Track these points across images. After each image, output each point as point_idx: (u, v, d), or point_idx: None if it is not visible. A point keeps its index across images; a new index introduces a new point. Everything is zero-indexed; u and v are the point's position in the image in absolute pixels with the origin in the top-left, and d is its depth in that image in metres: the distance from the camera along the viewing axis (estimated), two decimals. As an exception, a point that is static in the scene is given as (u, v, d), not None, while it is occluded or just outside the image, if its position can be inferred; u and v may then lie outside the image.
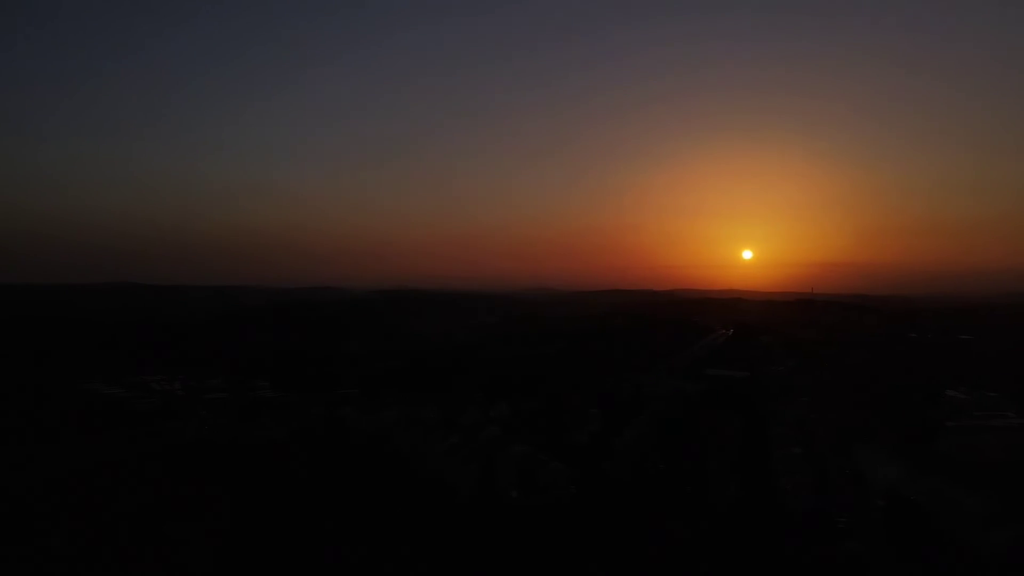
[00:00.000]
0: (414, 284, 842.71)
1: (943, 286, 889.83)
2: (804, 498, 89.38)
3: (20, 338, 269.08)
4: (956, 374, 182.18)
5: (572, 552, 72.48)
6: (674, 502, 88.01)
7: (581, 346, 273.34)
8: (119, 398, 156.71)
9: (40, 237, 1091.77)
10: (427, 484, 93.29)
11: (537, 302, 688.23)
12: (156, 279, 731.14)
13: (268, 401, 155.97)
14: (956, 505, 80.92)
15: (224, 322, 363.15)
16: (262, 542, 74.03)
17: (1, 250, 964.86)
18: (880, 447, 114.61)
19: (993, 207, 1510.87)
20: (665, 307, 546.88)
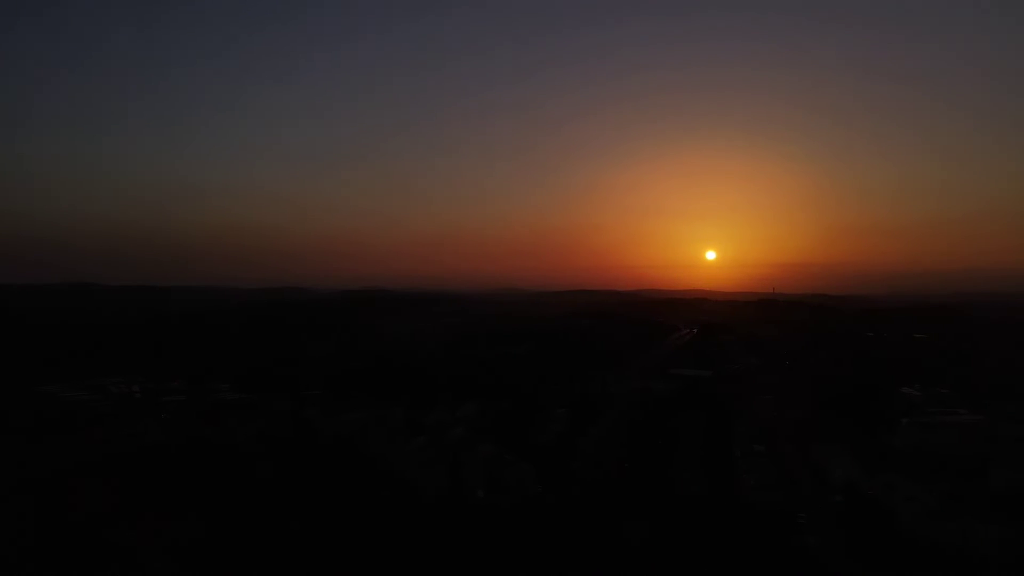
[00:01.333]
0: (381, 284, 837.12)
1: (899, 286, 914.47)
2: (766, 494, 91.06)
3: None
4: (911, 372, 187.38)
5: (537, 551, 72.72)
6: (639, 500, 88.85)
7: (548, 346, 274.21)
8: (76, 401, 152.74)
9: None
10: (394, 485, 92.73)
11: (504, 302, 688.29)
12: (113, 280, 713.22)
13: (231, 403, 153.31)
14: (911, 499, 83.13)
15: (185, 323, 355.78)
16: (226, 548, 72.77)
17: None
18: (839, 443, 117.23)
19: (948, 210, 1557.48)
20: (631, 307, 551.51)
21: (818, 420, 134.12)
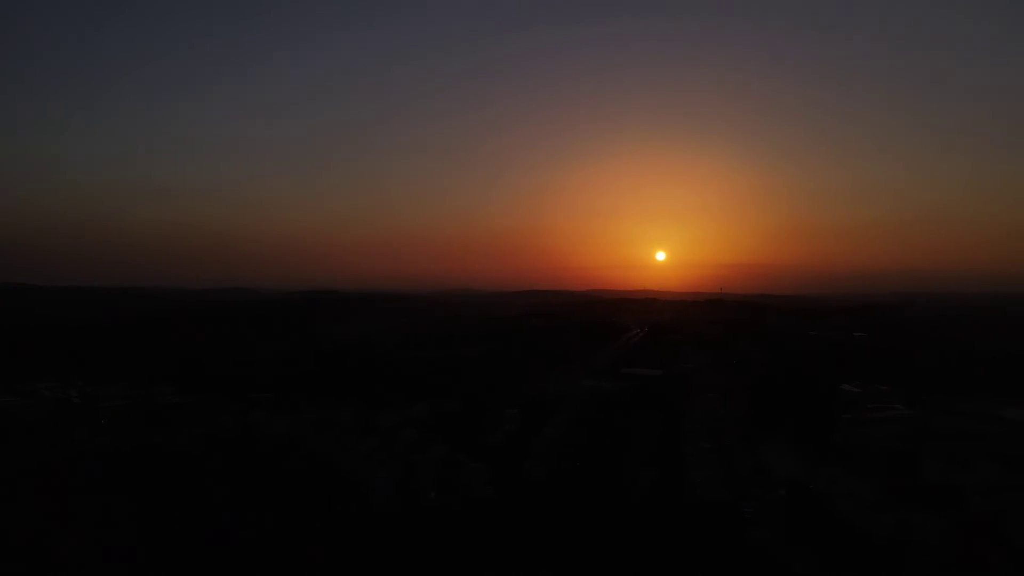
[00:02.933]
0: (332, 285, 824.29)
1: (842, 286, 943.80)
2: (714, 490, 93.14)
3: None
4: (851, 369, 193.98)
5: (491, 551, 72.89)
6: (590, 499, 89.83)
7: (500, 347, 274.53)
8: (4, 406, 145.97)
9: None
10: (344, 489, 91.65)
11: (456, 303, 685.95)
12: (47, 280, 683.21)
13: (174, 407, 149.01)
14: (850, 492, 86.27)
15: (127, 324, 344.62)
16: (170, 558, 70.81)
17: None
18: (782, 439, 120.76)
19: (891, 213, 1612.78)
20: (582, 307, 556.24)
21: (763, 417, 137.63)
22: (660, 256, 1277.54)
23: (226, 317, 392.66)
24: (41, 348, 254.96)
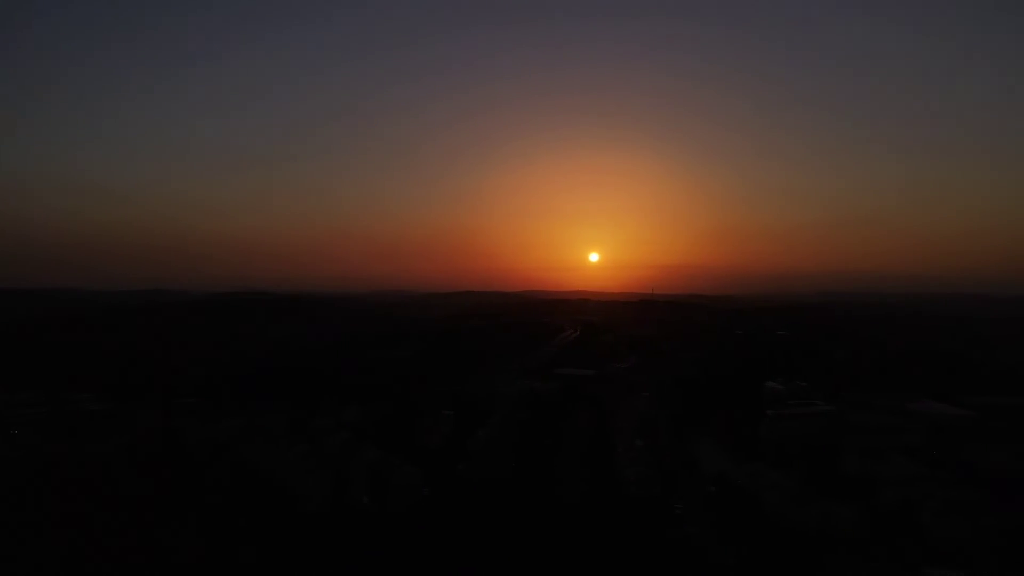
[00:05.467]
0: (263, 287, 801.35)
1: (768, 287, 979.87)
2: (646, 487, 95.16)
3: None
4: (774, 366, 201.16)
5: (425, 556, 72.46)
6: (526, 500, 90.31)
7: (434, 348, 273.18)
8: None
9: None
10: (275, 495, 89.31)
11: (390, 303, 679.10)
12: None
13: (94, 414, 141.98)
14: (774, 486, 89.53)
15: (42, 328, 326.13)
16: (88, 569, 67.59)
17: None
18: (711, 435, 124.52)
19: (813, 214, 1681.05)
20: (516, 308, 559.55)
21: (692, 414, 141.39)
22: (593, 257, 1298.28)
23: (151, 320, 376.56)
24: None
